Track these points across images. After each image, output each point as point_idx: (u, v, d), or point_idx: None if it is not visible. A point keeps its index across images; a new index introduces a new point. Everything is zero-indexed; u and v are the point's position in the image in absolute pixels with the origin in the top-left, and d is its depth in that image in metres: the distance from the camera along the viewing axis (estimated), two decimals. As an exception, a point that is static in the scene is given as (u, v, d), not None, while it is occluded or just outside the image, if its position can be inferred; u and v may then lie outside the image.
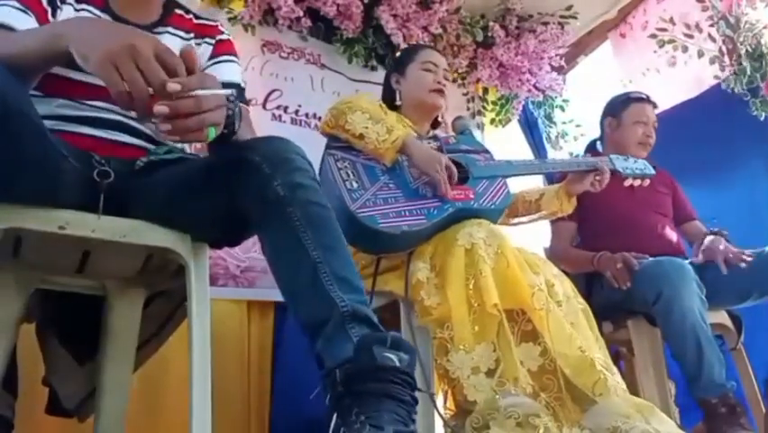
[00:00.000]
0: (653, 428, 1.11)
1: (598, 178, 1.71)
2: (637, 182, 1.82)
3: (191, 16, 1.26)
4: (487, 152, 1.71)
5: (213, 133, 0.81)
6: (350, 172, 1.50)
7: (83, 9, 1.11)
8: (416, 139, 1.55)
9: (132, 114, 0.76)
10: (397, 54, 1.99)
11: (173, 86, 0.75)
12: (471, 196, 1.52)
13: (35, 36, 0.87)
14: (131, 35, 0.77)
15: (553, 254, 2.00)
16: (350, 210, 1.38)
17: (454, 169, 1.50)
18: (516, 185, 1.77)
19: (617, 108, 2.13)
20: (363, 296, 0.88)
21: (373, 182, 1.49)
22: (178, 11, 1.25)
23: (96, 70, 0.75)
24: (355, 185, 1.47)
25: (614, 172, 1.74)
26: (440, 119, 1.88)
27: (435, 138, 1.69)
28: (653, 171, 1.85)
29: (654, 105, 2.14)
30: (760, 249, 1.72)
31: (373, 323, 0.84)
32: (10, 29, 0.96)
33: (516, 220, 1.84)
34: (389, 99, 1.84)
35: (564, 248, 2.01)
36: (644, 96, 2.14)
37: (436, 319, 1.29)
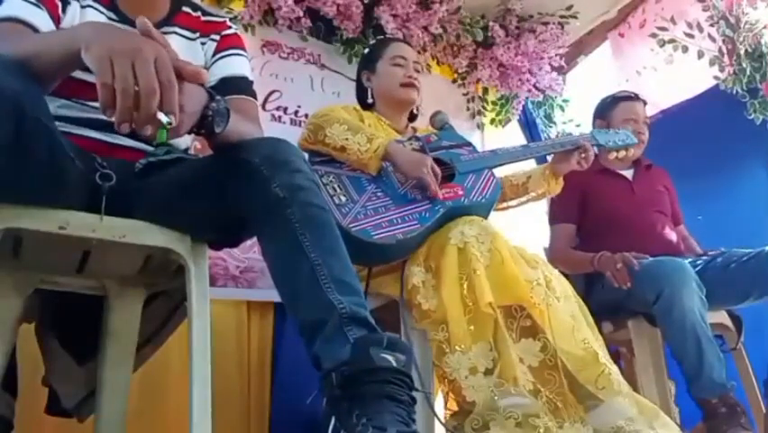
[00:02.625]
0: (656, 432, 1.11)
1: (583, 155, 1.70)
2: (622, 154, 1.82)
3: (199, 14, 1.26)
4: (469, 144, 1.69)
5: (163, 135, 0.80)
6: (336, 187, 1.49)
7: (88, 6, 1.11)
8: (397, 144, 1.54)
9: (107, 114, 0.75)
10: (366, 50, 1.96)
11: (162, 117, 0.76)
12: (461, 193, 1.51)
13: (55, 38, 0.88)
14: (141, 42, 0.77)
15: (553, 256, 2.00)
16: (341, 226, 1.36)
17: (438, 170, 1.49)
18: (505, 168, 1.75)
19: (606, 109, 2.15)
20: (361, 298, 0.87)
21: (361, 194, 1.48)
22: (186, 8, 1.24)
23: (92, 60, 0.75)
24: (343, 199, 1.45)
25: (597, 147, 1.74)
26: (416, 112, 1.87)
27: (417, 138, 1.68)
28: (635, 140, 1.85)
29: (644, 103, 2.14)
30: (759, 249, 1.73)
31: (371, 325, 0.84)
32: (24, 23, 0.97)
33: (504, 204, 1.82)
34: (362, 98, 1.83)
35: (564, 249, 2.01)
36: (631, 95, 2.16)
37: (433, 321, 1.28)
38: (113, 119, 0.75)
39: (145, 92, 0.74)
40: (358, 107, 1.78)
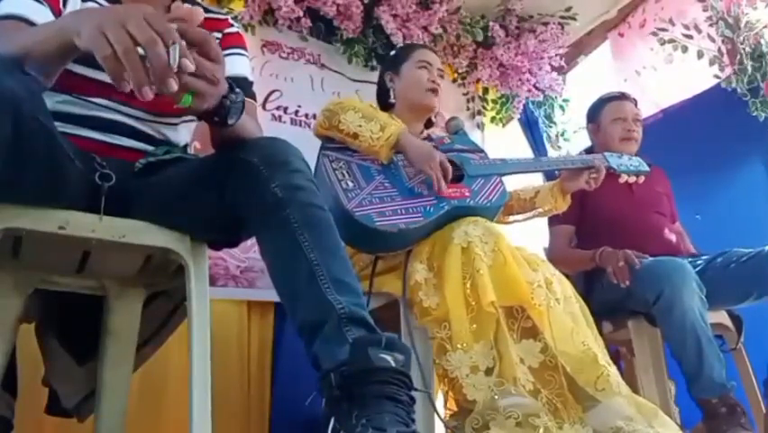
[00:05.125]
0: (655, 432, 1.11)
1: (593, 176, 1.71)
2: (632, 179, 1.82)
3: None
4: (481, 151, 1.70)
5: (189, 100, 0.78)
6: (345, 172, 1.50)
7: (90, 1, 1.11)
8: (409, 134, 1.55)
9: (122, 86, 0.73)
10: (392, 52, 1.97)
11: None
12: (467, 194, 1.51)
13: (46, 29, 0.87)
14: (123, 7, 0.76)
15: (553, 256, 2.00)
16: (346, 209, 1.38)
17: (449, 166, 1.49)
18: (515, 183, 1.76)
19: (595, 112, 2.17)
20: (360, 298, 0.87)
21: (369, 182, 1.49)
22: (187, 6, 1.24)
23: (86, 42, 0.74)
24: (351, 185, 1.46)
25: (608, 169, 1.74)
26: (433, 119, 1.87)
27: (429, 138, 1.69)
28: (647, 168, 1.85)
29: (635, 102, 2.15)
30: (759, 249, 1.73)
31: (370, 325, 0.84)
32: (26, 20, 0.96)
33: (511, 218, 1.84)
34: (383, 98, 1.83)
35: (563, 249, 2.02)
36: (617, 95, 2.17)
37: (434, 319, 1.28)
38: (128, 90, 0.73)
39: (147, 43, 0.71)
40: (375, 105, 1.78)
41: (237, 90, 0.90)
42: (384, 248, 1.46)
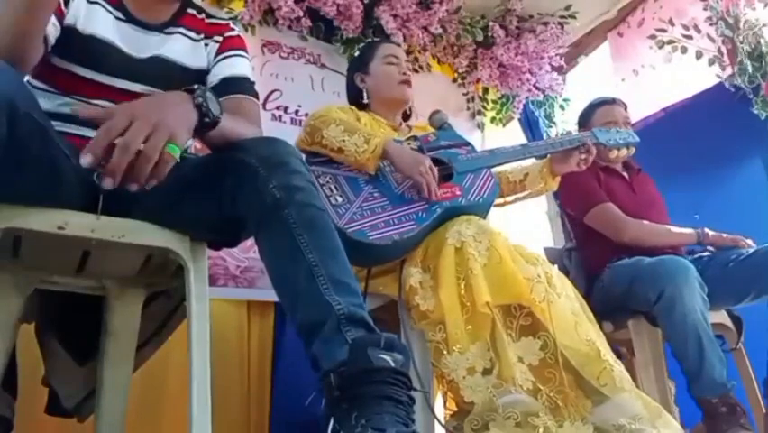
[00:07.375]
0: (658, 432, 1.11)
1: (583, 156, 1.68)
2: (623, 153, 1.82)
3: (203, 16, 1.27)
4: (468, 144, 1.68)
5: (176, 150, 0.83)
6: (333, 187, 1.48)
7: (96, 3, 1.11)
8: (395, 143, 1.53)
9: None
10: (356, 53, 1.99)
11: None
12: (458, 193, 1.50)
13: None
14: (159, 105, 0.84)
15: (628, 231, 1.91)
16: (338, 227, 1.33)
17: (435, 172, 1.47)
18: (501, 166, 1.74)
19: (585, 118, 2.19)
20: (359, 298, 0.87)
21: (358, 194, 1.47)
22: (191, 10, 1.25)
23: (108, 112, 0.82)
24: (340, 200, 1.44)
25: (598, 146, 1.72)
26: (408, 112, 1.88)
27: (415, 138, 1.66)
28: (637, 138, 1.83)
29: (625, 107, 2.15)
30: (757, 247, 1.73)
31: (369, 325, 0.84)
32: None
33: (501, 201, 1.80)
34: (356, 100, 1.83)
35: (637, 221, 1.93)
36: (607, 99, 2.18)
37: (431, 322, 1.27)
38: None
39: (148, 151, 0.80)
40: (354, 108, 1.78)
41: (195, 87, 0.91)
42: (380, 260, 1.43)
